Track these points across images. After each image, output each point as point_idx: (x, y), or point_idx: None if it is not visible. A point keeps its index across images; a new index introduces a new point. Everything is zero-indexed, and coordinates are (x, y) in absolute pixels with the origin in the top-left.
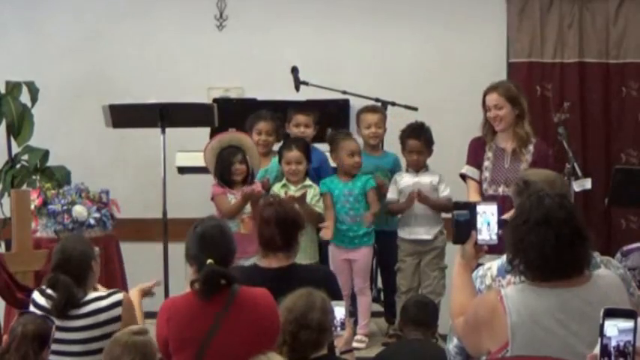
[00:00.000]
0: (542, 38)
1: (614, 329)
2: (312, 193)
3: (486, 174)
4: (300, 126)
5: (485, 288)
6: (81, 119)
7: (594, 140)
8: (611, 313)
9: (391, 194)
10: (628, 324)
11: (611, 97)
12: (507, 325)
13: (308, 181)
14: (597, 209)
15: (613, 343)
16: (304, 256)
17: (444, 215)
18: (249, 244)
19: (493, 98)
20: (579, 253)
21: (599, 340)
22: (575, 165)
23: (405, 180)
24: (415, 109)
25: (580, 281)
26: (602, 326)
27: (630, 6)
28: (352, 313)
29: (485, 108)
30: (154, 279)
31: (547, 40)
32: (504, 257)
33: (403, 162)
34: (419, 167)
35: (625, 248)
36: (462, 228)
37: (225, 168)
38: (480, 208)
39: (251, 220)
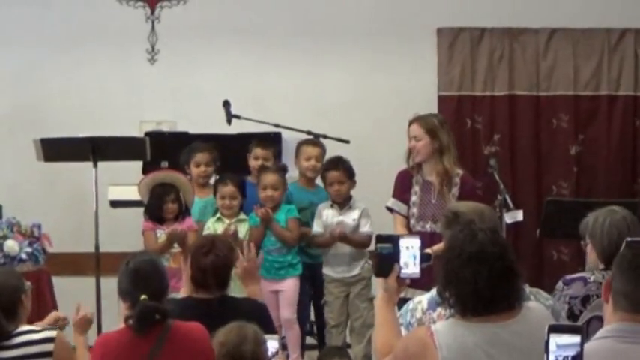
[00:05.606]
0: (473, 71)
1: (553, 344)
2: (246, 228)
3: (414, 210)
4: (259, 159)
5: (415, 321)
6: (12, 153)
7: (525, 172)
8: (556, 329)
9: (316, 227)
10: (569, 339)
11: (541, 129)
12: None
13: (242, 216)
14: (529, 241)
15: (551, 359)
16: None
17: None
18: (180, 279)
19: (413, 129)
20: (511, 288)
21: (545, 356)
22: (507, 197)
23: (330, 217)
24: (347, 142)
25: (509, 315)
26: (547, 342)
27: (559, 39)
28: (284, 346)
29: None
30: (82, 309)
31: (477, 72)
32: (434, 291)
33: None
34: (342, 199)
35: (567, 277)
36: (385, 261)
37: (157, 206)
38: (403, 242)
39: (181, 255)
